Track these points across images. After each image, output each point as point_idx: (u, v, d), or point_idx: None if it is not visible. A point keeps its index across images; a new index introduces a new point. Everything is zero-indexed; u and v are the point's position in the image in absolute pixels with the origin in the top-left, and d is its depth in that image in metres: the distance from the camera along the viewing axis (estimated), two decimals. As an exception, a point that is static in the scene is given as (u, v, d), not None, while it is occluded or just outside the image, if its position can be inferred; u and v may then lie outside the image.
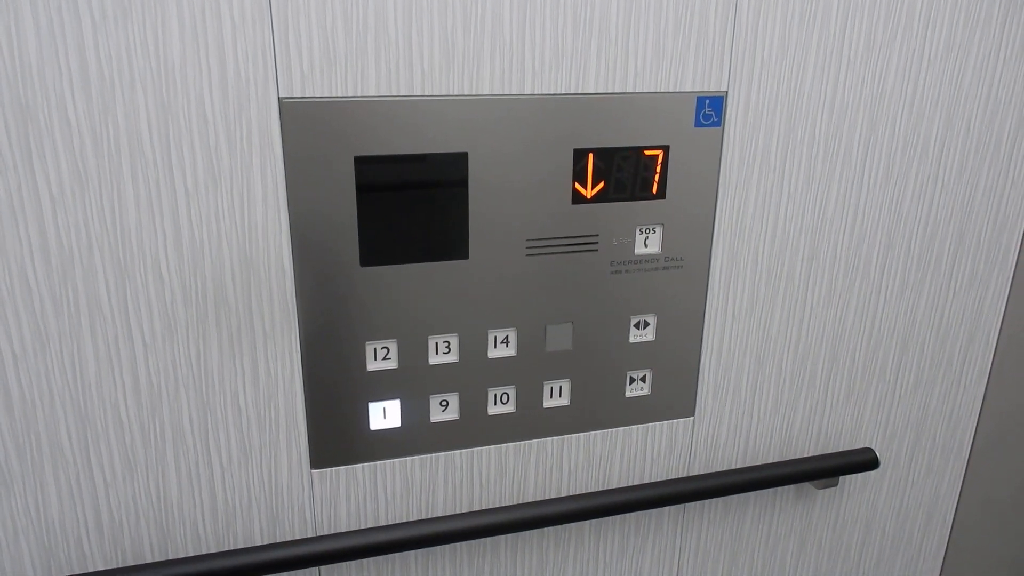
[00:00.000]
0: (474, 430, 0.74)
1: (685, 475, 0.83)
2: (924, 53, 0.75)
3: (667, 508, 0.85)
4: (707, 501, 0.86)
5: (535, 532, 0.80)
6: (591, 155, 0.68)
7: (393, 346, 0.69)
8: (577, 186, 0.69)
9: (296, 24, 0.57)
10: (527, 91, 0.64)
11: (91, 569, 0.67)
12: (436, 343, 0.70)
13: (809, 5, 0.69)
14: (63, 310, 0.59)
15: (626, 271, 0.73)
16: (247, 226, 0.61)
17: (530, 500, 0.78)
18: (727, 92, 0.70)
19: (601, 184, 0.69)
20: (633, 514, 0.83)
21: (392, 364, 0.69)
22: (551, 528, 0.81)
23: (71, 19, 0.53)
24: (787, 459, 0.86)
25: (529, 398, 0.75)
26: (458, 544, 0.78)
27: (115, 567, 0.67)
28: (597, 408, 0.77)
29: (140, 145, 0.57)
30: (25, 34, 0.52)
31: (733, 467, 0.85)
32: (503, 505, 0.77)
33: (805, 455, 0.88)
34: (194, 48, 0.56)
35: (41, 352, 0.60)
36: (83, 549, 0.66)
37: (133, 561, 0.68)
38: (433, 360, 0.70)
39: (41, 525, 0.64)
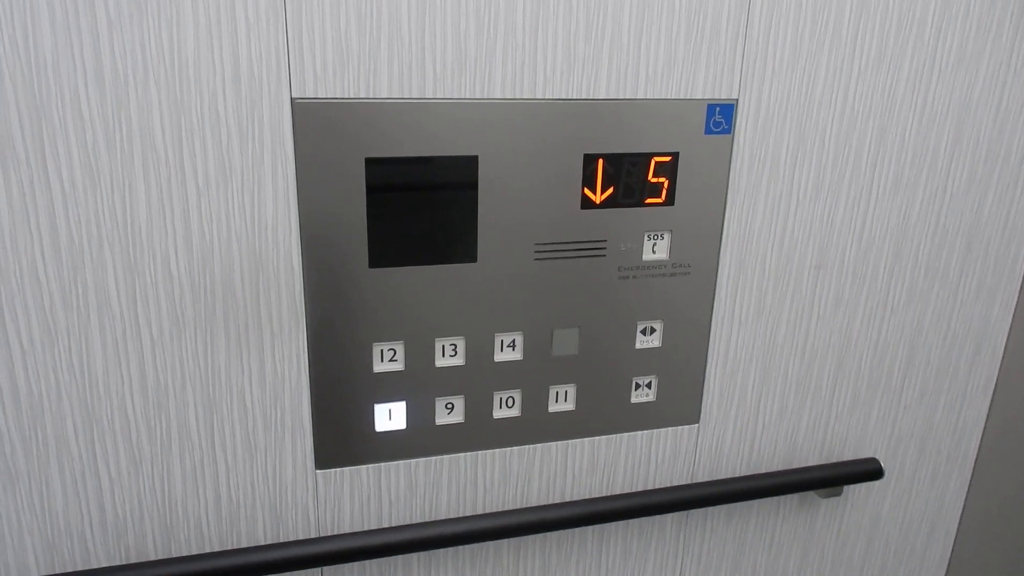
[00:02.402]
0: (479, 433, 0.74)
1: (689, 482, 0.83)
2: (935, 63, 0.75)
3: (670, 515, 0.84)
4: (710, 508, 0.86)
5: (538, 536, 0.80)
6: (601, 160, 0.68)
7: (400, 348, 0.69)
8: (586, 191, 0.69)
9: (310, 25, 0.57)
10: (538, 95, 0.65)
11: (94, 565, 0.67)
12: (443, 345, 0.70)
13: (821, 14, 0.70)
14: (72, 305, 0.59)
15: (634, 277, 0.73)
16: (257, 225, 0.61)
17: (534, 504, 0.78)
18: (738, 100, 0.70)
19: (610, 190, 0.69)
20: (636, 520, 0.83)
21: (399, 366, 0.69)
22: (554, 533, 0.80)
23: (87, 15, 0.53)
24: (791, 467, 0.86)
25: (534, 402, 0.75)
26: (461, 547, 0.78)
27: (118, 564, 0.66)
28: (602, 413, 0.77)
29: (152, 142, 0.57)
30: (41, 30, 0.53)
31: (737, 475, 0.85)
32: (506, 509, 0.77)
33: (809, 464, 0.88)
34: (208, 46, 0.56)
35: (49, 347, 0.60)
36: (87, 545, 0.66)
37: (136, 558, 0.68)
38: (439, 362, 0.70)
39: (46, 520, 0.64)
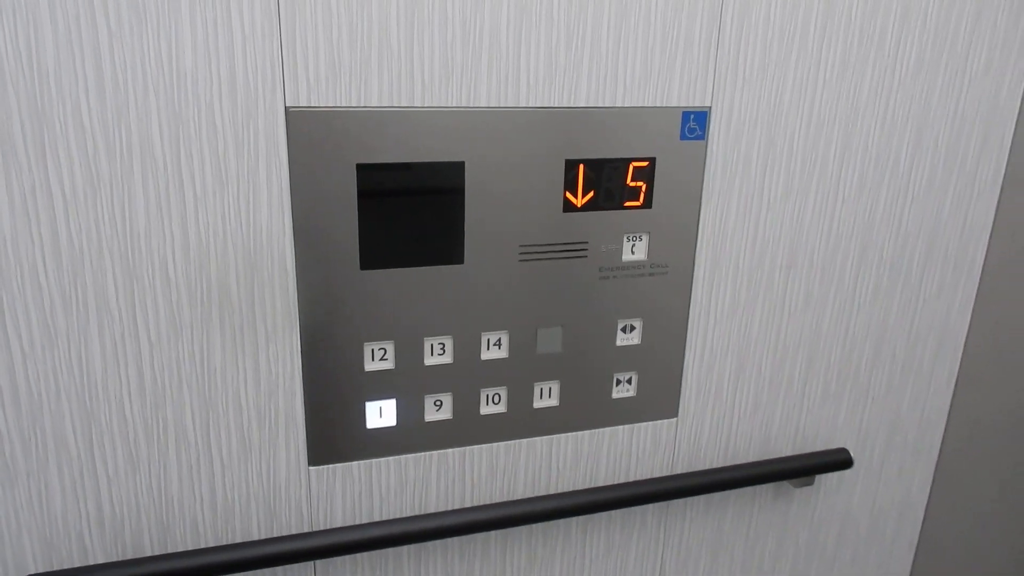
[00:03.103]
0: (467, 429, 0.77)
1: (668, 474, 0.86)
2: (895, 72, 0.79)
3: (651, 506, 0.88)
4: (689, 499, 0.89)
5: (524, 528, 0.83)
6: (582, 165, 0.71)
7: (390, 347, 0.71)
8: (568, 195, 0.72)
9: (303, 36, 0.60)
10: (522, 104, 0.68)
11: (92, 562, 0.68)
12: (431, 344, 0.73)
13: (788, 26, 0.73)
14: (72, 308, 0.61)
15: (614, 277, 0.76)
16: (252, 229, 0.64)
17: (520, 498, 0.81)
18: (711, 107, 0.74)
19: (591, 193, 0.72)
20: (618, 511, 0.86)
21: (389, 365, 0.72)
22: (539, 525, 0.83)
23: (88, 28, 0.55)
24: (766, 459, 0.90)
25: (520, 399, 0.77)
26: (449, 540, 0.80)
27: (115, 560, 0.68)
28: (585, 409, 0.80)
29: (151, 150, 0.59)
30: (44, 41, 0.54)
31: (714, 466, 0.88)
32: (493, 502, 0.80)
33: (783, 455, 0.91)
34: (205, 58, 0.58)
35: (49, 349, 0.61)
36: (84, 543, 0.68)
37: (133, 555, 0.69)
38: (428, 361, 0.73)
39: (44, 519, 0.66)
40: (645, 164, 0.73)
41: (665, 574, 0.91)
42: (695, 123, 0.74)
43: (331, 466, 0.73)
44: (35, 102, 0.55)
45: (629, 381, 0.81)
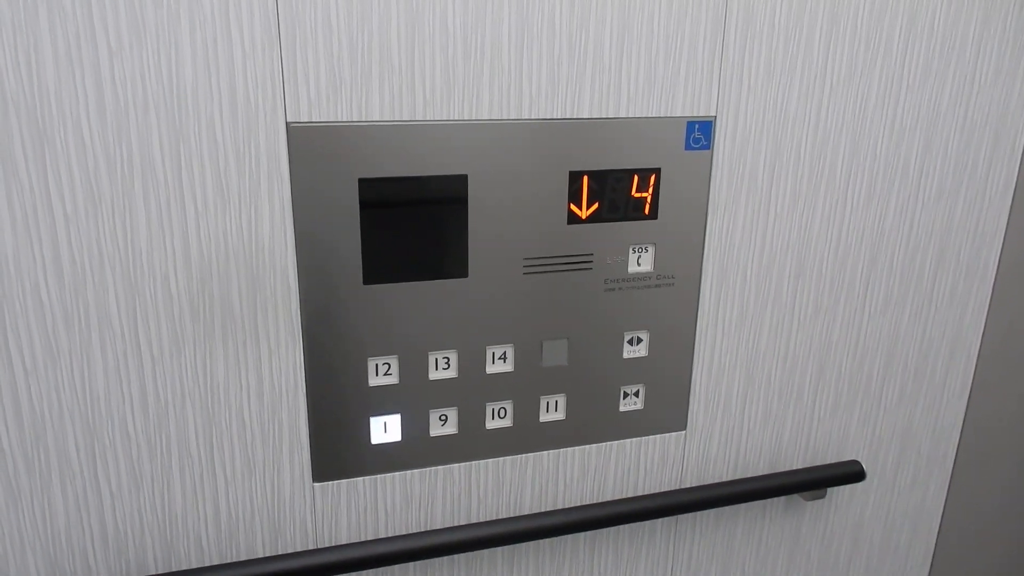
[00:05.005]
0: (472, 444, 0.76)
1: (677, 488, 0.85)
2: (903, 79, 0.78)
3: (660, 520, 0.86)
4: (699, 513, 0.88)
5: (531, 544, 0.82)
6: (586, 177, 0.70)
7: (394, 362, 0.71)
8: (572, 207, 0.71)
9: (304, 52, 0.60)
10: (524, 116, 0.67)
11: (96, 581, 0.68)
12: (436, 359, 0.72)
13: (793, 33, 0.73)
14: (74, 326, 0.61)
15: (620, 288, 0.75)
16: (254, 245, 0.63)
17: (526, 513, 0.80)
18: (716, 117, 0.73)
19: (595, 205, 0.72)
20: (627, 526, 0.85)
21: (393, 379, 0.71)
22: (547, 540, 0.82)
23: (88, 46, 0.55)
24: (776, 471, 0.89)
25: (526, 412, 0.77)
26: (456, 556, 0.79)
27: (120, 579, 0.68)
28: (592, 422, 0.79)
29: (152, 167, 0.59)
30: (44, 60, 0.54)
31: (724, 479, 0.87)
32: (500, 517, 0.79)
33: (794, 467, 0.90)
34: (206, 74, 0.58)
35: (52, 367, 0.61)
36: (88, 561, 0.67)
37: (137, 573, 0.69)
38: (433, 375, 0.72)
39: (48, 537, 0.66)
40: (650, 175, 0.72)
41: (675, 589, 0.90)
42: (700, 133, 0.73)
43: (336, 482, 0.72)
44: (36, 120, 0.55)
45: (636, 394, 0.80)
